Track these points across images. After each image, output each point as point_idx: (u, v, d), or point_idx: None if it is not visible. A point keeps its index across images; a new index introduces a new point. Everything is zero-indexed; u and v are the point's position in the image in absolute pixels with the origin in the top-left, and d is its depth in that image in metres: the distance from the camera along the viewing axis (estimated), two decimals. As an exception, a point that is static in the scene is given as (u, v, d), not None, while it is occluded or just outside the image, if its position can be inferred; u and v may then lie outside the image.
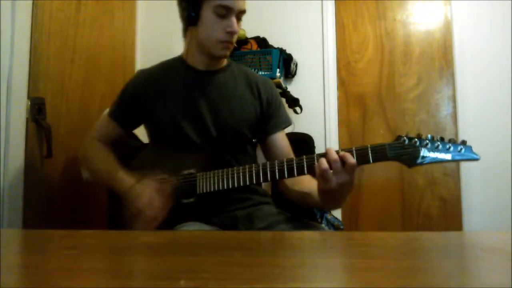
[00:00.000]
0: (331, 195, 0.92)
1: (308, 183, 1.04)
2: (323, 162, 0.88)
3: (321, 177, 0.89)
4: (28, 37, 1.37)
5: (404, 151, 0.88)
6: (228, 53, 1.13)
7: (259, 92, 1.19)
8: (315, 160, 0.92)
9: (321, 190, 0.93)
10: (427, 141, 0.87)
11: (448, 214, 2.34)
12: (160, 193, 1.02)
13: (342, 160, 0.88)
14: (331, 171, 0.88)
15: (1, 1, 1.25)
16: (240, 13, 1.09)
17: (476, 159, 0.85)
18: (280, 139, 1.20)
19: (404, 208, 2.40)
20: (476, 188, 2.29)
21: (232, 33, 1.08)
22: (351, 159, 0.88)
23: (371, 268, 0.44)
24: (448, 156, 0.86)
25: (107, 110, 1.26)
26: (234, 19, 1.07)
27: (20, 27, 1.33)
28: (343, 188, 0.89)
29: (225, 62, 1.22)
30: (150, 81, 1.17)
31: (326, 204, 0.99)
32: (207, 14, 1.08)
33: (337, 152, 0.90)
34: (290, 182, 1.10)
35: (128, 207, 1.02)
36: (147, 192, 1.01)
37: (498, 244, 0.60)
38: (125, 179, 1.07)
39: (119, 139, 1.21)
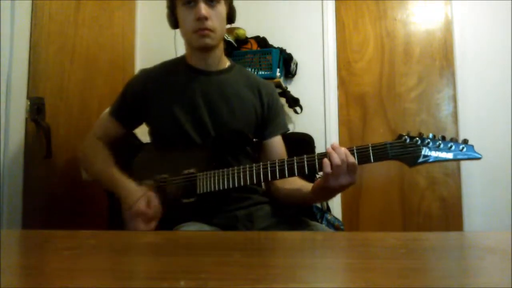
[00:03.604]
0: (328, 191, 0.95)
1: (297, 181, 1.07)
2: (336, 157, 0.88)
3: (332, 174, 0.89)
4: (28, 37, 1.37)
5: (405, 150, 0.87)
6: (207, 40, 1.08)
7: (260, 94, 1.19)
8: (316, 160, 0.93)
9: (322, 186, 0.93)
10: (429, 140, 0.86)
11: (448, 214, 2.34)
12: (156, 198, 1.03)
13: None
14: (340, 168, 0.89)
15: (1, 1, 1.25)
16: None
17: (478, 158, 0.84)
18: (276, 144, 1.20)
19: (405, 208, 2.39)
20: (477, 188, 2.29)
21: (200, 19, 1.05)
22: (351, 158, 0.89)
23: (371, 269, 0.44)
24: (449, 155, 0.85)
25: (107, 109, 1.26)
26: (201, 5, 1.05)
27: (19, 27, 1.33)
28: (345, 187, 0.90)
29: (227, 63, 1.22)
30: (151, 80, 1.17)
31: (318, 198, 1.04)
32: (180, 10, 1.09)
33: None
34: (280, 182, 1.11)
35: (124, 209, 1.03)
36: (142, 196, 1.02)
37: (499, 244, 0.60)
38: (121, 182, 1.07)
39: (120, 137, 1.21)
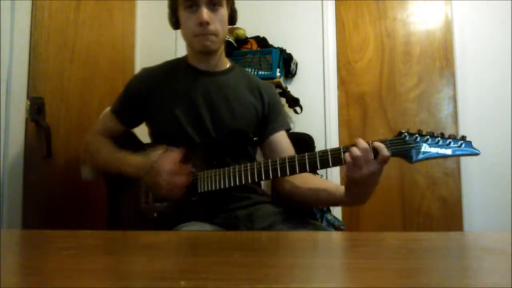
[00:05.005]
0: (359, 187, 0.92)
1: (319, 181, 1.06)
2: (356, 150, 0.89)
3: (353, 165, 0.89)
4: (28, 37, 1.37)
5: (405, 147, 0.89)
6: (209, 44, 1.09)
7: (261, 95, 1.19)
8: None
9: (349, 180, 0.92)
10: (428, 137, 0.88)
11: (448, 214, 2.34)
12: (175, 157, 1.02)
13: (375, 151, 0.89)
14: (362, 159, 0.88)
15: (1, 1, 1.25)
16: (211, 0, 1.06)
17: (476, 154, 0.86)
18: (281, 140, 1.19)
19: (405, 208, 2.39)
20: (477, 188, 2.29)
21: (202, 24, 1.05)
22: (386, 151, 0.88)
23: (371, 269, 0.44)
24: (448, 151, 0.87)
25: (109, 108, 1.26)
26: (203, 10, 1.05)
27: (19, 27, 1.33)
28: (372, 177, 0.89)
29: (228, 64, 1.22)
30: (152, 79, 1.17)
31: (351, 197, 0.96)
32: (181, 13, 1.09)
33: (368, 144, 0.90)
34: (299, 181, 1.08)
35: (149, 180, 1.02)
36: (163, 158, 1.02)
37: (499, 244, 0.60)
38: (134, 159, 1.08)
39: (120, 135, 1.22)
